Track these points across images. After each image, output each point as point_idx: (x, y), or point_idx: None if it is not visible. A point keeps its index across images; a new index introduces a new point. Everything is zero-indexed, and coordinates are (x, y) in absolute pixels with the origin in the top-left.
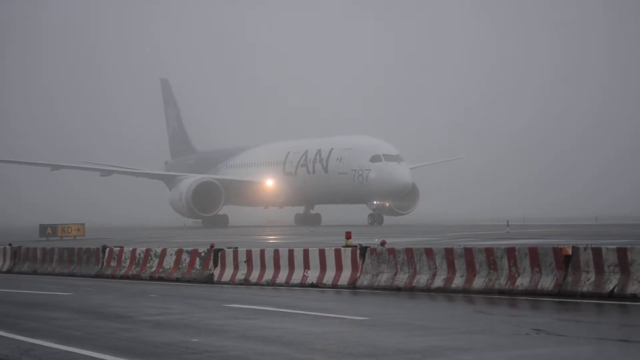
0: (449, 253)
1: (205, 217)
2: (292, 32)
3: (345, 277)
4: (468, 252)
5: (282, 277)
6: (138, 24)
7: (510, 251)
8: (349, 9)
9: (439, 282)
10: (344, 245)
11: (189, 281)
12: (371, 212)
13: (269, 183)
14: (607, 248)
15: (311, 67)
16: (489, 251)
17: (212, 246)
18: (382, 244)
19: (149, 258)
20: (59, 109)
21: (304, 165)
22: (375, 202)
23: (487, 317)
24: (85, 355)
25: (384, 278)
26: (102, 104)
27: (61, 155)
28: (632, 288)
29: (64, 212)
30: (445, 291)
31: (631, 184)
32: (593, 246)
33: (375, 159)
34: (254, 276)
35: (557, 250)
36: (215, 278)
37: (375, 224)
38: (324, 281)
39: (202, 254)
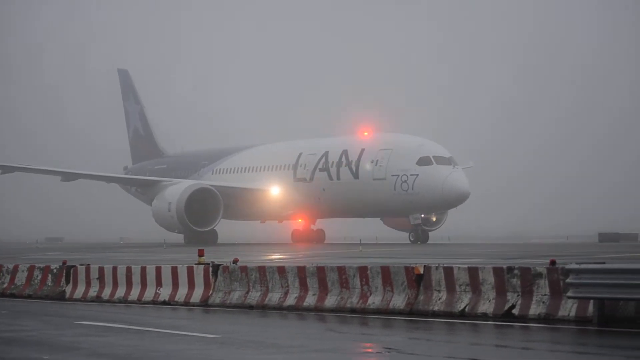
0: (301, 271)
1: (199, 232)
2: (281, 20)
3: (197, 294)
4: (320, 270)
5: (134, 294)
6: (90, 10)
7: (362, 270)
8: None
9: (291, 300)
10: (196, 262)
11: (40, 298)
12: (413, 227)
13: (276, 191)
14: (459, 267)
15: (297, 61)
16: (341, 270)
17: (64, 263)
18: (235, 261)
19: (1, 274)
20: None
21: (323, 170)
22: (422, 215)
23: (339, 336)
24: None
25: (236, 296)
26: (52, 100)
27: (11, 156)
28: (483, 307)
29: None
30: (298, 309)
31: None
32: (445, 265)
33: (423, 161)
34: (106, 293)
35: (409, 269)
36: (67, 295)
37: (419, 242)
38: (176, 299)
39: (54, 270)
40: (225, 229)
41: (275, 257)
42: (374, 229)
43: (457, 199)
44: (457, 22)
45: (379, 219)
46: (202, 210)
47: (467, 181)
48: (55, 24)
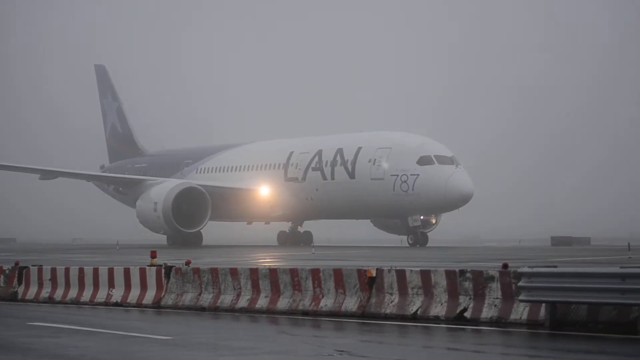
0: (253, 273)
1: (184, 234)
2: (272, 18)
3: (149, 296)
4: (272, 272)
5: (86, 295)
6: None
7: (315, 272)
8: None
9: (243, 302)
10: (149, 264)
11: None
12: (412, 229)
13: (265, 191)
14: (411, 270)
15: (295, 60)
16: (293, 272)
17: (16, 263)
18: (187, 263)
19: None
20: None
21: (316, 169)
22: (421, 217)
23: (291, 338)
24: None
25: (188, 298)
26: (44, 97)
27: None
28: (435, 310)
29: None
30: (250, 311)
31: None
32: (397, 268)
33: (424, 160)
34: (59, 294)
35: (361, 272)
36: (20, 296)
37: (418, 245)
38: (128, 300)
39: (7, 271)
40: (212, 230)
41: (249, 258)
42: (363, 231)
43: (460, 200)
44: (459, 22)
45: (368, 220)
46: (189, 211)
47: (471, 181)
48: (55, 23)
